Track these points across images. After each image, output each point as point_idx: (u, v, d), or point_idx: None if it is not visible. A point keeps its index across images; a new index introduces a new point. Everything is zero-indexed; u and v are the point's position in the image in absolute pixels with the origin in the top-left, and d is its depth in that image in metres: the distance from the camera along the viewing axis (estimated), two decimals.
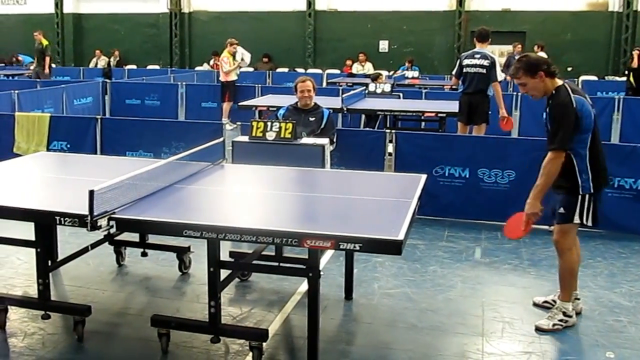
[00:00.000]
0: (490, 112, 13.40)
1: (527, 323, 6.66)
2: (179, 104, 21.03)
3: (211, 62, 31.25)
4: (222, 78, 19.42)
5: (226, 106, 18.95)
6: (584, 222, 6.42)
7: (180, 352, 5.97)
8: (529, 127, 16.58)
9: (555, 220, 6.53)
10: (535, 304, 7.06)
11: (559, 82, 6.36)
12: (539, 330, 6.44)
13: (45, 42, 24.39)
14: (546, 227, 9.10)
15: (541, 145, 8.28)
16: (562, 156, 6.22)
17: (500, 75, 13.68)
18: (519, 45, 25.82)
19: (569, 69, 27.85)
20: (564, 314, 6.51)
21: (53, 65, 31.14)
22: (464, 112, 13.37)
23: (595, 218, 6.46)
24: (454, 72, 13.99)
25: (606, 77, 27.27)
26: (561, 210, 6.43)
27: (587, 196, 6.38)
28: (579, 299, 6.92)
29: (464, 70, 13.35)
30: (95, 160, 9.41)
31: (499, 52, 29.03)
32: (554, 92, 6.31)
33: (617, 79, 26.77)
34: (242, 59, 19.53)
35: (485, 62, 13.19)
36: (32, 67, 27.73)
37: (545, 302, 7.00)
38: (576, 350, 6.16)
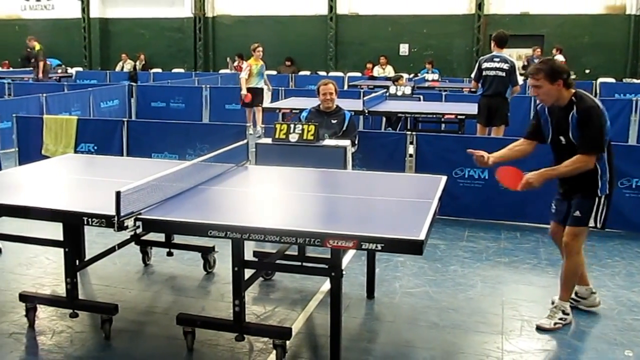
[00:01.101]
0: (509, 114, 13.38)
1: None
2: (203, 107, 21.07)
3: (235, 64, 31.30)
4: (243, 76, 18.10)
5: (249, 111, 18.10)
6: (597, 225, 6.42)
7: (205, 350, 5.97)
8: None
9: (569, 223, 6.47)
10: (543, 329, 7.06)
11: (573, 90, 6.34)
12: (540, 329, 6.42)
13: (37, 47, 24.59)
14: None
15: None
16: (594, 159, 6.22)
17: (521, 79, 13.67)
18: (539, 49, 25.82)
19: (587, 71, 27.74)
20: (563, 312, 6.51)
21: (80, 69, 31.45)
22: (483, 115, 13.34)
23: (605, 221, 6.46)
24: (473, 76, 13.97)
25: (624, 80, 27.11)
26: (577, 213, 6.39)
27: (602, 199, 6.38)
28: (595, 293, 6.92)
29: (483, 73, 13.33)
30: (122, 162, 9.44)
31: (516, 56, 28.92)
32: (574, 99, 6.27)
33: (635, 81, 26.63)
34: (266, 84, 18.69)
35: (505, 66, 13.18)
36: (59, 71, 27.92)
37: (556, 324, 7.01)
38: (594, 349, 6.12)
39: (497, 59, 13.25)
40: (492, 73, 13.28)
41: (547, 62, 6.50)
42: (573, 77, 25.04)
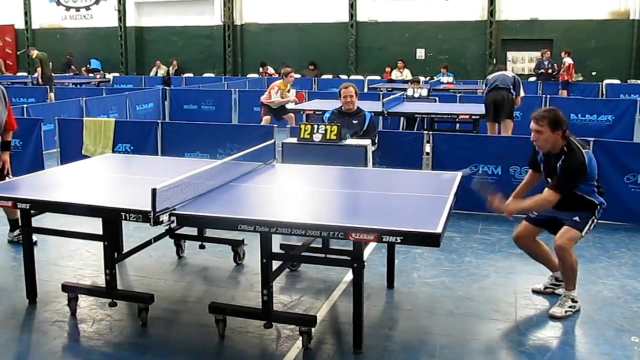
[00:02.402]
0: (514, 110, 13.47)
1: None
2: (232, 109, 21.08)
3: (261, 70, 31.31)
4: (264, 99, 16.33)
5: (265, 120, 16.23)
6: (584, 234, 6.53)
7: (235, 337, 5.98)
8: None
9: (567, 224, 6.46)
10: (535, 292, 7.07)
11: (566, 141, 6.42)
12: (553, 317, 6.40)
13: (34, 55, 24.96)
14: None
15: None
16: (557, 198, 6.32)
17: (523, 93, 13.80)
18: (548, 52, 25.71)
19: (594, 73, 27.58)
20: (572, 300, 6.50)
21: (117, 74, 31.64)
22: (490, 110, 13.36)
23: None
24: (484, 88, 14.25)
25: (628, 81, 26.93)
26: (576, 218, 6.44)
27: (596, 219, 6.54)
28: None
29: (494, 83, 13.49)
30: (157, 161, 9.46)
31: (528, 58, 28.89)
32: (565, 148, 6.38)
33: (639, 82, 26.49)
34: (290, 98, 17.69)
35: (509, 74, 13.33)
36: (98, 76, 28.13)
37: (546, 288, 7.06)
38: (603, 335, 6.08)
39: (502, 73, 13.61)
40: (502, 73, 13.36)
41: (551, 111, 6.57)
42: (580, 79, 25.06)
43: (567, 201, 6.39)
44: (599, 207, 6.50)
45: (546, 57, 25.62)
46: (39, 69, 24.29)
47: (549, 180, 6.53)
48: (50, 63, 24.97)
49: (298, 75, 26.98)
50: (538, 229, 6.83)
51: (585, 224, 6.44)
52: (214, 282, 7.43)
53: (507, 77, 13.87)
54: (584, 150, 6.36)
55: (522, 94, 13.97)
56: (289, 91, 15.90)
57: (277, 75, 28.85)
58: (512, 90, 13.77)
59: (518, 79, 13.93)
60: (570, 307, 6.47)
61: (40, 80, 24.22)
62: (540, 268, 7.65)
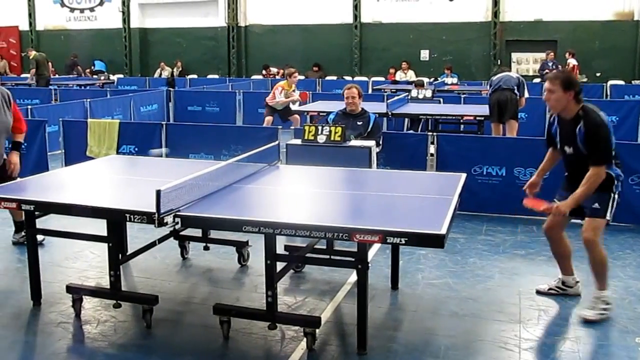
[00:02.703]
0: (518, 111, 13.49)
1: (561, 310, 6.61)
2: (236, 110, 21.07)
3: (263, 72, 31.34)
4: (269, 100, 16.21)
5: (267, 121, 16.10)
6: (608, 217, 6.39)
7: (240, 338, 5.98)
8: None
9: (588, 214, 6.40)
10: (540, 292, 7.05)
11: (581, 105, 6.36)
12: (585, 321, 6.30)
13: (31, 56, 25.38)
14: (579, 220, 9.04)
15: None
16: (604, 170, 6.22)
17: (527, 94, 13.82)
18: (552, 53, 25.68)
19: (598, 74, 27.56)
20: (605, 302, 6.42)
21: (121, 76, 31.72)
22: (494, 111, 13.39)
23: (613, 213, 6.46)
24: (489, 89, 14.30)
25: (632, 82, 26.91)
26: (596, 205, 6.33)
27: (616, 194, 6.38)
28: (579, 282, 7.00)
29: (499, 83, 13.51)
30: (161, 162, 9.45)
31: (532, 59, 28.88)
32: (580, 113, 6.32)
33: None
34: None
35: (514, 75, 13.37)
36: (102, 77, 28.22)
37: (550, 289, 7.03)
38: (607, 336, 6.08)
39: (506, 74, 13.66)
40: (501, 75, 13.41)
41: (565, 72, 6.61)
42: (584, 80, 25.07)
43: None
44: (616, 181, 6.37)
45: (550, 59, 25.58)
46: (33, 70, 24.52)
47: (565, 149, 6.49)
48: (50, 64, 25.05)
49: (302, 77, 27.00)
50: (567, 218, 6.74)
51: (606, 207, 6.34)
52: (219, 283, 7.44)
53: (512, 78, 13.90)
54: (600, 113, 6.32)
55: (526, 95, 13.98)
56: (293, 91, 15.83)
57: (280, 77, 28.90)
58: (516, 91, 13.77)
59: (522, 79, 13.97)
60: (603, 309, 6.39)
61: (35, 81, 24.43)
62: (544, 269, 7.67)
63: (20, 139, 8.28)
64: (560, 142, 6.61)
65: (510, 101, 13.53)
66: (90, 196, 6.48)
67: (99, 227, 6.37)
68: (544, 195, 6.86)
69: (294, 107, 15.64)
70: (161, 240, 7.50)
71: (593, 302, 6.44)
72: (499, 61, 29.27)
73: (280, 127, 11.46)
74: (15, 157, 8.09)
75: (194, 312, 6.64)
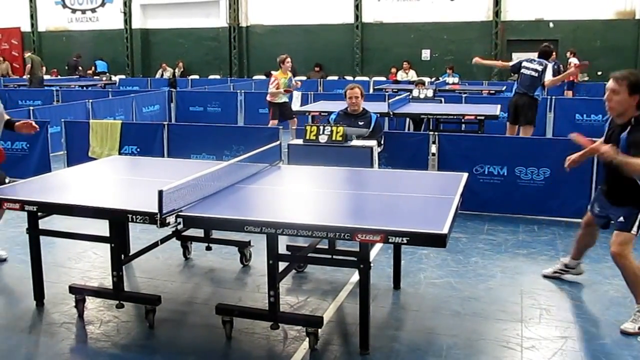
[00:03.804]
0: (536, 116, 13.41)
1: (563, 309, 6.62)
2: (238, 111, 21.10)
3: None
4: (268, 97, 16.04)
5: (272, 124, 15.52)
6: (637, 232, 6.25)
7: (242, 338, 5.99)
8: (562, 128, 16.47)
9: (615, 229, 6.32)
10: (545, 276, 7.21)
11: (637, 113, 6.05)
12: (625, 333, 6.12)
13: (26, 56, 26.08)
14: (579, 220, 9.07)
15: (573, 144, 8.14)
16: None
17: (548, 78, 13.60)
18: (553, 53, 25.62)
19: (599, 73, 27.53)
20: None
21: (123, 76, 31.76)
22: (511, 112, 13.39)
23: None
24: (510, 64, 14.06)
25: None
26: (621, 218, 6.24)
27: None
28: (581, 262, 7.22)
29: (521, 70, 13.38)
30: (163, 162, 9.48)
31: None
32: (633, 121, 6.02)
33: None
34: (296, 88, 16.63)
35: (539, 67, 13.22)
36: (104, 78, 28.25)
37: (555, 272, 7.19)
38: (609, 335, 6.08)
39: (536, 62, 13.37)
40: (528, 72, 13.33)
41: (634, 73, 6.14)
42: (586, 79, 25.01)
43: (618, 189, 6.26)
44: None
45: (552, 59, 25.52)
46: (28, 66, 24.83)
47: None
48: (44, 68, 25.14)
49: (304, 77, 27.04)
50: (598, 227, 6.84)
51: (634, 221, 6.18)
52: (221, 283, 7.44)
53: (527, 77, 13.57)
54: None
55: (547, 77, 13.67)
56: (290, 79, 15.79)
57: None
58: (533, 94, 13.54)
59: (547, 65, 13.62)
60: None
61: (29, 82, 24.65)
62: (546, 268, 7.66)
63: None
64: (605, 142, 6.40)
65: (526, 106, 13.41)
66: (93, 197, 6.48)
67: (102, 227, 6.38)
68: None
69: (295, 107, 15.58)
70: (163, 240, 7.50)
71: (635, 316, 6.25)
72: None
73: (282, 127, 11.46)
74: (23, 122, 7.90)
75: (197, 312, 6.64)
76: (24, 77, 25.51)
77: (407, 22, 30.53)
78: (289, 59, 15.93)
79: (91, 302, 6.66)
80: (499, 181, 9.91)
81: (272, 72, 29.91)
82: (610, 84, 6.14)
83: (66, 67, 32.80)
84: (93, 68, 33.29)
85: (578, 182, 9.47)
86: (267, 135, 10.85)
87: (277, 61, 15.94)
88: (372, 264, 5.69)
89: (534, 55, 13.91)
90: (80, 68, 32.39)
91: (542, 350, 5.78)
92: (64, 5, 36.38)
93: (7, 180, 7.59)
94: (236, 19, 33.34)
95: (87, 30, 36.12)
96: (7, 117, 7.89)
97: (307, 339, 5.75)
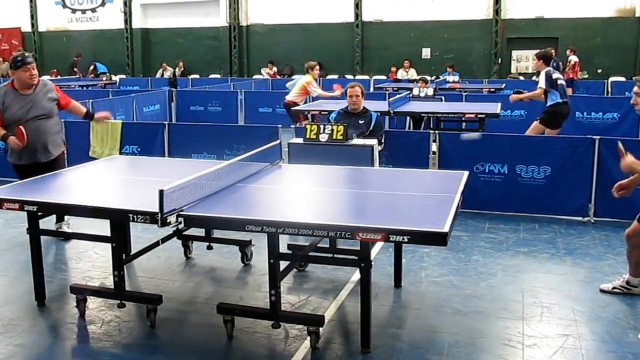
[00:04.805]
0: None
1: (564, 307, 6.61)
2: (238, 110, 21.08)
3: (267, 70, 31.32)
4: (293, 99, 16.01)
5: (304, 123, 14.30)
6: None
7: (244, 337, 5.99)
8: (563, 126, 16.44)
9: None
10: (604, 291, 7.02)
11: None
12: (602, 291, 6.44)
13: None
14: (580, 218, 9.13)
15: (574, 142, 8.18)
16: None
17: (540, 85, 13.35)
18: (553, 50, 25.64)
19: (599, 71, 27.57)
20: None
21: (123, 76, 31.81)
22: (563, 120, 13.02)
23: None
24: (543, 86, 13.15)
25: (633, 78, 26.87)
26: None
27: None
28: None
29: (558, 82, 12.88)
30: (164, 162, 9.47)
31: (532, 57, 28.82)
32: None
33: None
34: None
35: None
36: (104, 78, 28.23)
37: (614, 288, 7.00)
38: (610, 333, 6.08)
39: (558, 72, 13.19)
40: (561, 81, 12.99)
41: None
42: (586, 76, 24.98)
43: None
44: None
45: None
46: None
47: None
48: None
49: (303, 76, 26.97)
50: None
51: None
52: (222, 282, 7.44)
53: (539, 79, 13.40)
54: None
55: (539, 86, 13.36)
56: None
57: (279, 77, 28.98)
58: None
59: (542, 73, 13.28)
60: None
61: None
62: (547, 266, 7.69)
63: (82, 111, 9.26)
64: None
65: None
66: (94, 197, 6.47)
67: (103, 227, 6.38)
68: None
69: (302, 107, 15.55)
70: (164, 240, 7.50)
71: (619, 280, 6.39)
72: (499, 59, 29.31)
73: (281, 125, 11.42)
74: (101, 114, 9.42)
75: (198, 312, 6.64)
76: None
77: (408, 21, 30.53)
78: (318, 66, 16.34)
79: (92, 302, 6.66)
80: (500, 179, 9.91)
81: (274, 68, 30.11)
82: (634, 88, 6.50)
83: (74, 69, 32.74)
84: (92, 68, 33.22)
85: (579, 181, 9.48)
86: (267, 134, 10.84)
87: (304, 67, 16.43)
88: (373, 263, 5.68)
89: (532, 52, 13.73)
90: (75, 69, 32.33)
91: (544, 348, 5.78)
92: (64, 5, 36.37)
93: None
94: (236, 18, 33.34)
95: (87, 30, 36.11)
96: (82, 108, 9.08)
97: (309, 337, 5.75)
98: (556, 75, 12.94)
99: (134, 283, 7.38)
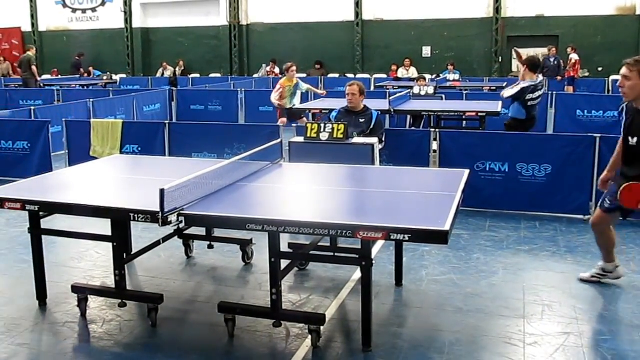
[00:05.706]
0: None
1: (565, 306, 6.61)
2: (239, 109, 21.14)
3: (268, 68, 31.30)
4: (274, 100, 15.70)
5: (281, 122, 14.94)
6: None
7: (245, 336, 5.99)
8: (563, 125, 16.48)
9: None
10: (583, 280, 7.16)
11: None
12: (581, 280, 6.63)
13: (32, 54, 25.80)
14: (581, 216, 9.14)
15: (574, 140, 8.16)
16: None
17: (507, 92, 12.58)
18: (554, 49, 25.69)
19: (600, 69, 27.56)
20: None
21: (124, 76, 31.76)
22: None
23: None
24: (510, 95, 12.69)
25: (623, 61, 26.87)
26: None
27: None
28: (619, 266, 7.17)
29: (529, 103, 12.17)
30: (165, 161, 9.48)
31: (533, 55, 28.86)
32: None
33: None
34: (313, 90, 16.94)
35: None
36: (104, 77, 28.25)
37: (592, 276, 7.13)
38: (611, 331, 6.08)
39: (539, 91, 11.95)
40: (533, 103, 12.17)
41: None
42: (586, 75, 24.97)
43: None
44: None
45: (552, 54, 25.59)
46: (34, 68, 25.12)
47: (629, 139, 6.40)
48: (34, 66, 25.19)
49: (304, 75, 27.02)
50: (616, 216, 6.88)
51: None
52: (223, 281, 7.45)
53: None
54: None
55: (506, 93, 12.65)
56: (295, 85, 15.68)
57: (280, 76, 29.00)
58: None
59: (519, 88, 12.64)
60: None
61: (37, 78, 24.87)
62: (548, 264, 7.69)
63: None
64: (624, 132, 6.51)
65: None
66: (95, 196, 6.49)
67: (104, 226, 6.38)
68: None
69: (298, 106, 15.52)
70: (165, 239, 7.50)
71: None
72: (500, 58, 29.30)
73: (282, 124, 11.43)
74: None
75: (199, 311, 6.65)
76: (36, 78, 25.60)
77: (408, 19, 30.54)
78: (294, 67, 15.88)
79: (94, 301, 6.67)
80: (501, 178, 9.91)
81: (276, 68, 30.14)
82: (622, 70, 6.34)
83: (80, 70, 32.72)
84: (90, 69, 33.14)
85: (579, 179, 9.48)
86: (267, 133, 10.86)
87: (282, 69, 15.97)
88: (374, 261, 5.69)
89: (533, 52, 13.61)
90: (81, 69, 32.32)
91: (545, 346, 5.79)
92: (65, 5, 36.40)
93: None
94: (236, 17, 33.35)
95: (87, 29, 36.12)
96: None
97: (310, 336, 5.76)
98: (533, 96, 11.69)
99: (135, 282, 7.39)
